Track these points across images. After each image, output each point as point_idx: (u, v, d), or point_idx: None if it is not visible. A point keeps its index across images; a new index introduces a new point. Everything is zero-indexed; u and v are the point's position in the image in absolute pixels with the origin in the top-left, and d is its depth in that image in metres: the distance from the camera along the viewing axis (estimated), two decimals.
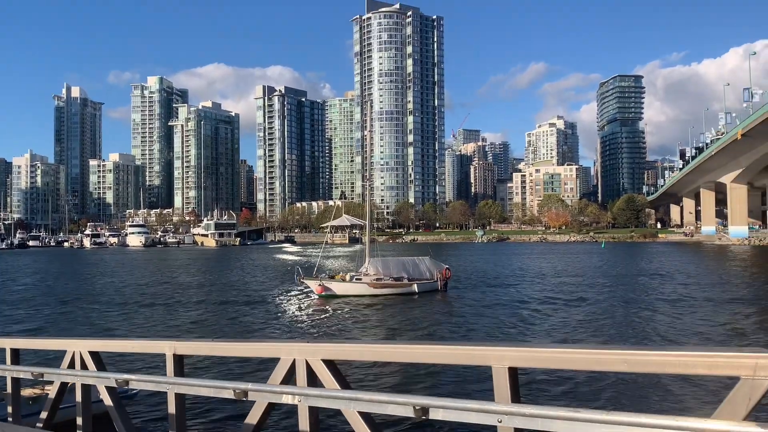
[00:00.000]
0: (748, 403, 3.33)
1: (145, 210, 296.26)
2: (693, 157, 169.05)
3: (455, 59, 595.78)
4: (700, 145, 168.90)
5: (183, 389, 6.36)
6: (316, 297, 39.66)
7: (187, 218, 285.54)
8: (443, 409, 4.48)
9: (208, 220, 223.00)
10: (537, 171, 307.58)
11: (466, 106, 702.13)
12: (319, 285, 40.39)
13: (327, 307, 35.33)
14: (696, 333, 24.64)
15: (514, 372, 4.37)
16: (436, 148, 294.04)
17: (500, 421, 4.21)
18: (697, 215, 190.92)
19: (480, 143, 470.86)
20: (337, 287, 40.80)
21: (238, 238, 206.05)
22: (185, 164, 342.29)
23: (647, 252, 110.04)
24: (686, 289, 42.45)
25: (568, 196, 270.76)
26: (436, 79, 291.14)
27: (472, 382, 15.54)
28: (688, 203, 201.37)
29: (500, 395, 4.34)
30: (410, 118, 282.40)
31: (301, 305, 36.56)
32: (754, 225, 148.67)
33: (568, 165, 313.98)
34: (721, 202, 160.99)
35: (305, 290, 42.17)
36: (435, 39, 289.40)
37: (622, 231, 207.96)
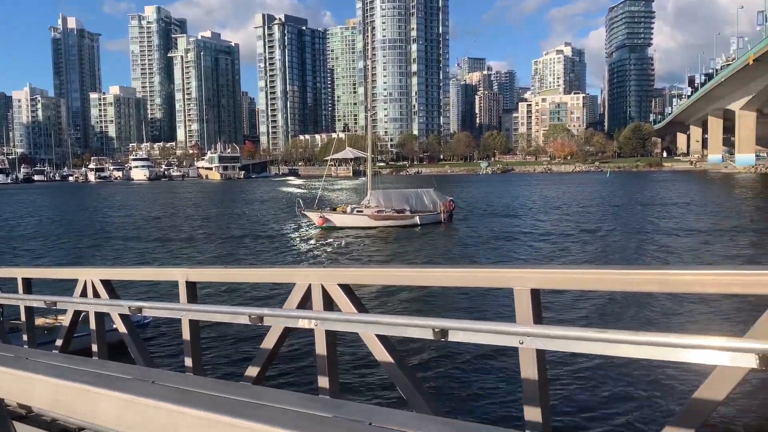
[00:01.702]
0: None
1: (148, 144, 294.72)
2: (702, 84, 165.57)
3: None
4: (710, 71, 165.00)
5: (197, 315, 6.33)
6: (318, 229, 39.97)
7: (191, 152, 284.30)
8: (463, 330, 4.39)
9: (211, 153, 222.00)
10: (543, 100, 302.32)
11: (471, 34, 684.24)
12: (320, 217, 40.71)
13: (328, 238, 35.61)
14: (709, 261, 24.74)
15: (536, 294, 4.26)
16: (441, 77, 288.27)
17: (522, 343, 4.12)
18: (704, 143, 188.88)
19: (485, 72, 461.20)
20: (338, 219, 41.07)
21: (243, 172, 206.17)
22: (186, 97, 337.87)
23: (652, 181, 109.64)
24: (693, 218, 42.42)
25: (574, 126, 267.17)
26: (440, 5, 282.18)
27: (491, 309, 15.70)
28: (696, 131, 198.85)
29: (522, 317, 4.24)
30: (414, 47, 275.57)
31: (303, 237, 36.83)
32: (761, 153, 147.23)
33: (575, 94, 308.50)
34: (728, 129, 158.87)
35: (307, 222, 42.44)
36: None
37: (627, 160, 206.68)
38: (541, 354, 4.21)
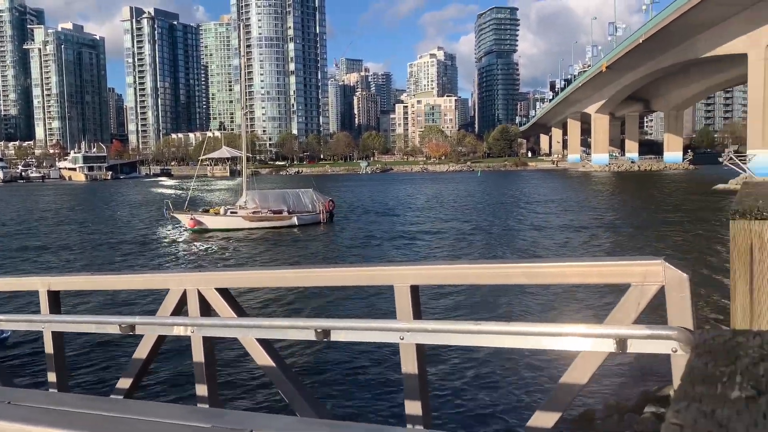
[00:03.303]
0: (637, 308, 3.52)
1: (1, 142, 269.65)
2: (562, 89, 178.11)
3: None
4: (569, 77, 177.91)
5: (61, 327, 5.90)
6: (189, 232, 38.40)
7: (52, 151, 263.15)
8: (345, 330, 4.43)
9: (75, 152, 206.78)
10: (419, 102, 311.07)
11: (348, 34, 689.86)
12: (191, 219, 39.01)
13: (200, 242, 34.33)
14: (572, 251, 26.56)
15: (416, 290, 4.38)
16: (319, 77, 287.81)
17: (402, 338, 4.22)
18: (564, 144, 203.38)
19: (363, 73, 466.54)
20: (210, 221, 39.63)
21: (110, 172, 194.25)
22: (45, 92, 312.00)
23: (518, 179, 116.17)
24: (558, 214, 45.44)
25: (447, 127, 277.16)
26: (317, 5, 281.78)
27: (374, 307, 15.89)
28: (557, 133, 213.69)
29: (402, 313, 4.35)
30: (291, 45, 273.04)
31: (173, 240, 35.22)
32: (614, 152, 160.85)
33: (447, 96, 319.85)
34: (585, 131, 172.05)
35: (177, 225, 40.61)
36: None
37: (496, 160, 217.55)
38: (420, 348, 4.33)
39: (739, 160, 62.58)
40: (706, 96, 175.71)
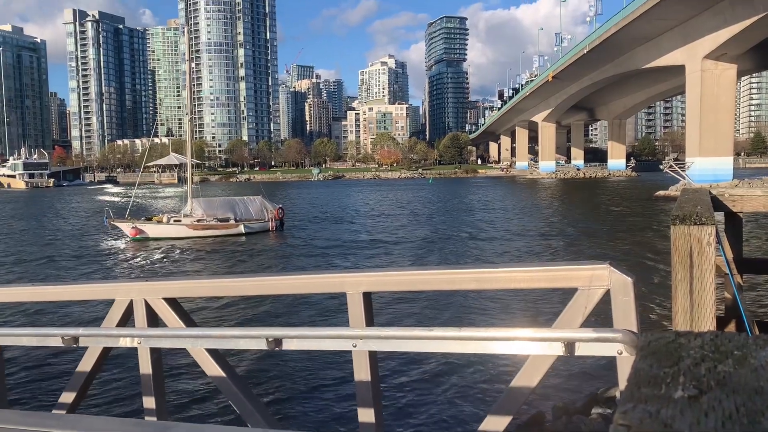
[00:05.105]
0: (584, 311, 3.60)
1: None
2: (510, 98, 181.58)
3: None
4: (517, 86, 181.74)
5: None
6: (130, 241, 37.33)
7: None
8: (297, 338, 4.39)
9: (14, 159, 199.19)
10: (370, 110, 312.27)
11: (299, 41, 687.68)
12: (132, 228, 37.92)
13: (143, 251, 33.38)
14: (520, 257, 27.02)
15: (368, 297, 4.38)
16: (270, 83, 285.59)
17: (355, 346, 4.20)
18: (513, 152, 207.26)
19: (314, 80, 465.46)
20: (152, 230, 38.60)
21: (53, 179, 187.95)
22: None
23: (469, 186, 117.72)
24: (505, 220, 46.21)
25: (399, 135, 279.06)
26: (267, 11, 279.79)
27: (327, 314, 15.78)
28: (505, 140, 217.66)
29: (355, 320, 4.34)
30: (241, 51, 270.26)
31: (114, 250, 34.10)
32: (560, 160, 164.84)
33: (399, 104, 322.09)
34: (533, 139, 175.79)
35: (118, 234, 39.33)
36: None
37: (447, 167, 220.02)
38: (373, 355, 4.33)
39: (679, 167, 65.03)
40: (647, 105, 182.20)
